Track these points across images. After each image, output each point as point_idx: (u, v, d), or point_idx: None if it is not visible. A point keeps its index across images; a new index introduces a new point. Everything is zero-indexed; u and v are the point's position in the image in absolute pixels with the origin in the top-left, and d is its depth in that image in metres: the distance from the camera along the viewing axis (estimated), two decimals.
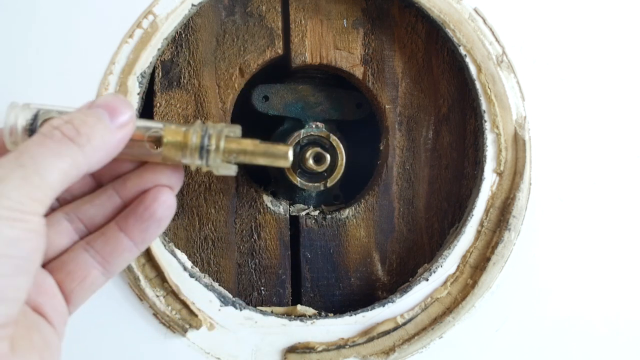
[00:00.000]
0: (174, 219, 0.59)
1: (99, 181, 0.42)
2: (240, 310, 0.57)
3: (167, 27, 0.55)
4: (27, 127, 0.37)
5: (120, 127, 0.36)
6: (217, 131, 0.38)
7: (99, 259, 0.40)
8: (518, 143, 0.57)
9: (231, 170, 0.39)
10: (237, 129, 0.39)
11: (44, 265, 0.40)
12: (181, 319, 0.55)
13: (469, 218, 0.58)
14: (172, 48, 0.58)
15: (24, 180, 0.32)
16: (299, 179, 0.62)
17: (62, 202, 0.42)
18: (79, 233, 0.41)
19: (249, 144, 0.38)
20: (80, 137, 0.34)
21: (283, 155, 0.38)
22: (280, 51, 0.60)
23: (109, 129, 0.36)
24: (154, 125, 0.39)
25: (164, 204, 0.40)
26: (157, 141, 0.38)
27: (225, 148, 0.38)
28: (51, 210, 0.41)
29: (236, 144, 0.38)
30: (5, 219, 0.30)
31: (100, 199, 0.41)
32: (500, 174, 0.58)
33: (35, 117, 0.38)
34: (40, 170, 0.33)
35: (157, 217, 0.40)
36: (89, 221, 0.41)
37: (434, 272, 0.58)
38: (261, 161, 0.38)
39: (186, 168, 0.41)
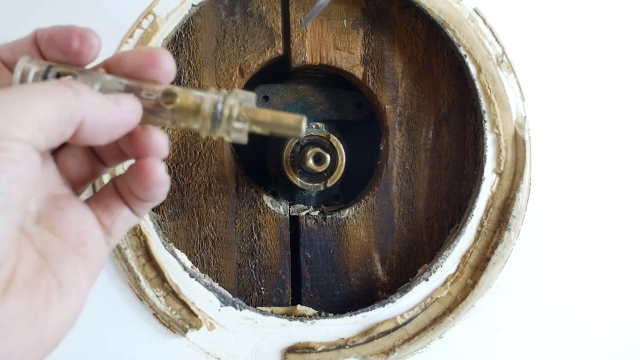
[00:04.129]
0: (173, 219, 0.59)
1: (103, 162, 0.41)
2: (240, 310, 0.57)
3: (167, 27, 0.55)
4: (39, 74, 0.36)
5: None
6: (231, 100, 0.37)
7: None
8: (518, 143, 0.57)
9: (243, 137, 0.38)
10: (251, 97, 0.38)
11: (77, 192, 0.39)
12: (181, 319, 0.55)
13: (469, 218, 0.58)
14: (172, 48, 0.58)
15: (5, 105, 0.30)
16: (299, 179, 0.62)
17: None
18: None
19: (261, 114, 0.38)
20: (78, 84, 0.33)
21: (295, 127, 0.38)
22: (280, 51, 0.60)
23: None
24: (168, 85, 0.38)
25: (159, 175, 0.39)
26: (169, 103, 0.38)
27: (239, 117, 0.37)
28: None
29: (250, 113, 0.37)
30: None
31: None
32: (500, 174, 0.58)
33: (49, 68, 0.37)
34: (27, 99, 0.31)
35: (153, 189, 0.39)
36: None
37: (434, 272, 0.58)
38: (274, 130, 0.38)
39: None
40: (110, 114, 0.35)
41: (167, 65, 0.36)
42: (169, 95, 0.37)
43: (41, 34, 0.37)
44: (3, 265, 0.31)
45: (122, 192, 0.39)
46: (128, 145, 0.38)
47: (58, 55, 0.37)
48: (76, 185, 0.39)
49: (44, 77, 0.36)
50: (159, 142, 0.37)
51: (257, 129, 0.38)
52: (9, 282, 0.31)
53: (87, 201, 0.39)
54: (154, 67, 0.36)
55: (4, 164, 0.30)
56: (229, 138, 0.38)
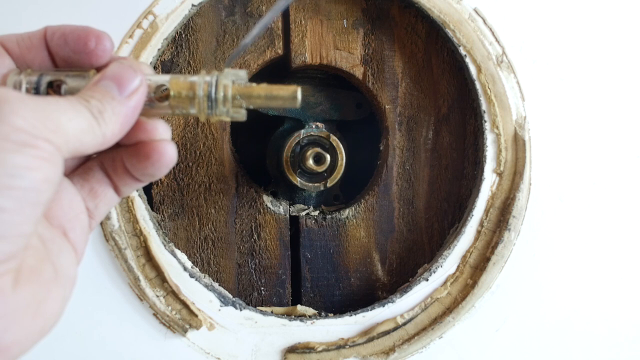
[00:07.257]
0: (173, 219, 0.59)
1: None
2: (240, 310, 0.57)
3: (167, 27, 0.55)
4: (32, 84, 0.37)
5: (130, 95, 0.36)
6: (223, 81, 0.37)
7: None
8: (518, 143, 0.57)
9: (241, 115, 0.38)
10: (242, 74, 0.38)
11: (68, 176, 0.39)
12: (181, 319, 0.55)
13: (469, 218, 0.58)
14: (172, 48, 0.58)
15: (42, 112, 0.30)
16: (299, 179, 0.62)
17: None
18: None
19: (255, 90, 0.38)
20: (91, 107, 0.34)
21: (290, 98, 0.38)
22: (280, 51, 0.60)
23: (117, 100, 0.35)
24: (159, 79, 0.38)
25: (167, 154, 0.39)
26: (165, 96, 0.38)
27: (234, 96, 0.37)
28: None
29: (244, 90, 0.38)
30: (13, 142, 0.29)
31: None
32: (500, 174, 0.58)
33: (40, 77, 0.37)
34: (59, 111, 0.31)
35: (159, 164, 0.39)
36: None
37: (434, 272, 0.58)
38: (271, 104, 0.38)
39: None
40: (123, 116, 0.35)
41: (104, 38, 0.37)
42: (161, 90, 0.37)
43: (52, 31, 0.38)
44: (17, 257, 0.31)
45: (111, 171, 0.39)
46: (131, 135, 0.38)
47: (68, 54, 0.38)
48: (66, 169, 0.39)
49: (36, 88, 0.36)
50: (162, 125, 0.38)
51: (254, 105, 0.38)
52: (18, 272, 0.32)
53: (72, 181, 0.39)
54: (91, 38, 0.37)
55: (38, 161, 0.30)
56: (228, 118, 0.38)
